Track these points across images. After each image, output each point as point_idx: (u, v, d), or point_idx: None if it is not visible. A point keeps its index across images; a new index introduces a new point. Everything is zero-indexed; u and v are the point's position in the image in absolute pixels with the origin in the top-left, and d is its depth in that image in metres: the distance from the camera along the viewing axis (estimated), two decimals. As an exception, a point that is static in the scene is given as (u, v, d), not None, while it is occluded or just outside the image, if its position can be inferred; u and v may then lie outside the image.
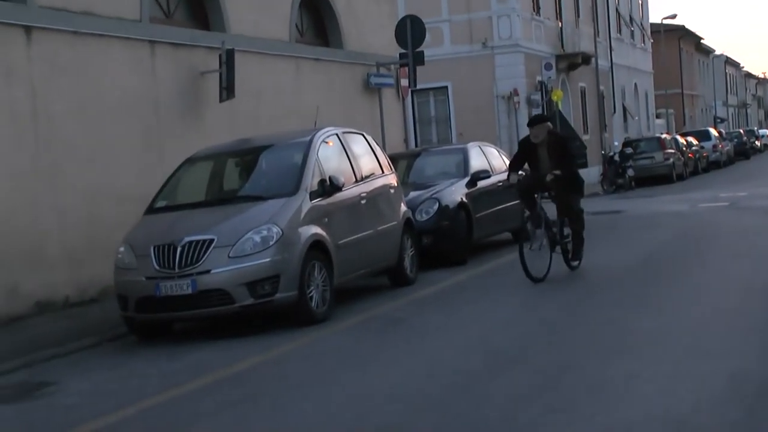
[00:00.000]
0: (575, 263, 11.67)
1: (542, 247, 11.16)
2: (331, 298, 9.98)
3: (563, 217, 11.51)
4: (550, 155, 11.35)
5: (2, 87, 11.24)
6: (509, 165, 12.30)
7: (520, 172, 11.61)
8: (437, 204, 13.39)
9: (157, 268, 9.42)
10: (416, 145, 24.73)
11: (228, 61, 14.20)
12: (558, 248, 11.42)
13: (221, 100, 14.40)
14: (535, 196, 11.38)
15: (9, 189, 11.22)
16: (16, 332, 10.54)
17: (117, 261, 9.93)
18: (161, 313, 9.54)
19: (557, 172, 11.16)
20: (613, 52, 40.39)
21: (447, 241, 13.31)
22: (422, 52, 19.08)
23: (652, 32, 50.98)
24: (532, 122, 11.69)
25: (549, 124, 11.76)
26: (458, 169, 14.65)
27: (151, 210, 10.67)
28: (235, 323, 9.92)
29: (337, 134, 11.34)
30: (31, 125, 11.61)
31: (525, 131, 31.50)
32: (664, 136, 35.92)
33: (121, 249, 9.93)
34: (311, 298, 9.67)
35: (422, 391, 6.69)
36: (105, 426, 6.58)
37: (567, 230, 11.54)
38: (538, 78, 30.73)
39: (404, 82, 20.07)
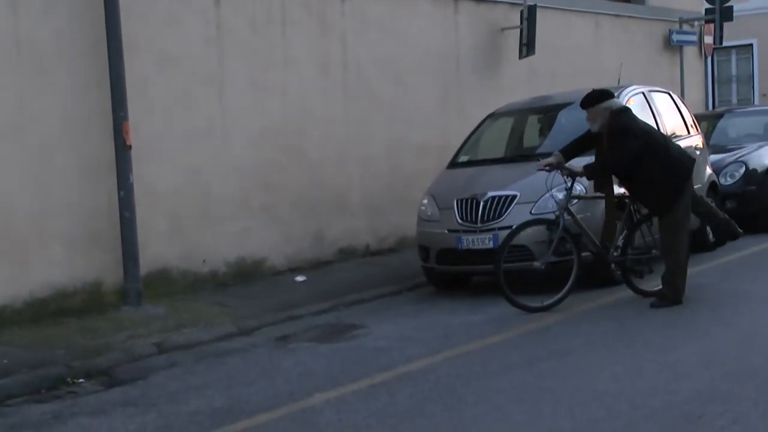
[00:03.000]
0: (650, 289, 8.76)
1: (546, 263, 8.67)
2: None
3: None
4: (607, 150, 8.43)
5: (319, 41, 11.78)
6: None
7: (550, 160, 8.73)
8: (744, 167, 12.80)
9: (460, 221, 9.58)
10: (713, 106, 23.64)
11: (530, 17, 14.13)
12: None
13: (521, 57, 14.37)
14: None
15: (320, 137, 11.78)
16: (323, 276, 11.11)
17: (420, 212, 10.20)
18: (462, 266, 9.70)
19: (579, 169, 8.51)
20: None
21: (753, 206, 12.70)
22: (731, 7, 18.13)
23: None
24: (583, 103, 8.52)
25: (609, 104, 8.40)
26: (767, 131, 13.90)
27: (454, 164, 10.86)
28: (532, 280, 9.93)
29: (643, 92, 11.03)
30: (341, 77, 12.10)
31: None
32: None
33: (425, 201, 10.19)
34: (613, 258, 9.50)
35: (737, 360, 6.41)
36: (416, 370, 6.79)
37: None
38: None
39: (707, 39, 19.17)
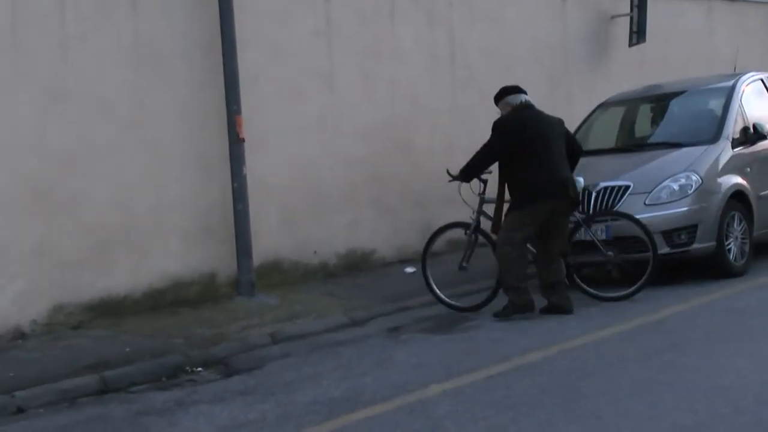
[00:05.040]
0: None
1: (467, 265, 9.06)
2: (749, 251, 9.54)
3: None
4: None
5: (426, 31, 11.78)
6: None
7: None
8: None
9: (572, 212, 9.47)
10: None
11: (640, 4, 13.89)
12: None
13: (630, 45, 14.12)
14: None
15: (429, 129, 11.79)
16: (433, 267, 10.92)
17: (532, 204, 10.12)
18: (574, 257, 9.57)
19: (455, 173, 8.86)
20: None
21: None
22: None
23: None
24: (494, 98, 8.80)
25: (512, 99, 8.57)
26: None
27: (564, 154, 10.73)
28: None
29: (761, 79, 10.74)
30: (449, 68, 12.08)
31: None
32: None
33: (535, 192, 10.10)
34: (729, 250, 9.30)
35: None
36: (532, 362, 6.75)
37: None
38: None
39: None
